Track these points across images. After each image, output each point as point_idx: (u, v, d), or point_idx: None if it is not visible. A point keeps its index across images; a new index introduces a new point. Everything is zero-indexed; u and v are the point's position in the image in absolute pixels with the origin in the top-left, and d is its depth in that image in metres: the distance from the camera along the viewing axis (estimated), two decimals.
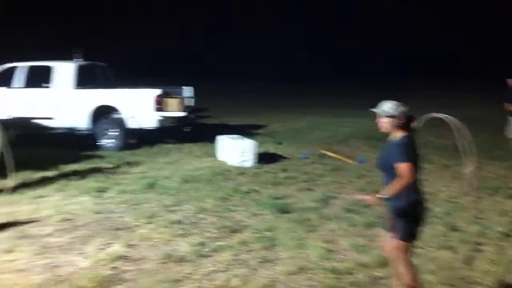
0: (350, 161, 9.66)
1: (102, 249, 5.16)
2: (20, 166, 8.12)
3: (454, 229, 5.87)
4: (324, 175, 8.70)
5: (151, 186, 7.73)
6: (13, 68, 11.82)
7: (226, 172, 8.76)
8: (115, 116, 11.31)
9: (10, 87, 11.69)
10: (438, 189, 7.63)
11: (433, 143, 11.39)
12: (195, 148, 11.14)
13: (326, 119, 17.29)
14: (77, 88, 11.52)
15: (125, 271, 4.67)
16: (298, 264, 4.86)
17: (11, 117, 11.11)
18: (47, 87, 11.56)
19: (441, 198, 7.17)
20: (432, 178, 8.30)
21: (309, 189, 7.78)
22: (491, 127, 13.09)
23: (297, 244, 5.37)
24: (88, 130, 11.42)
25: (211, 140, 10.59)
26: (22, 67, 11.81)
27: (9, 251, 5.11)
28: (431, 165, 9.22)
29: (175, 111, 11.37)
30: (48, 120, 11.48)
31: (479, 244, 5.45)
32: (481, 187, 7.62)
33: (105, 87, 12.13)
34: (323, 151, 10.41)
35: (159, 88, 11.37)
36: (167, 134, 11.76)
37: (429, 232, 5.54)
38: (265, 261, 4.96)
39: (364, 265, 4.84)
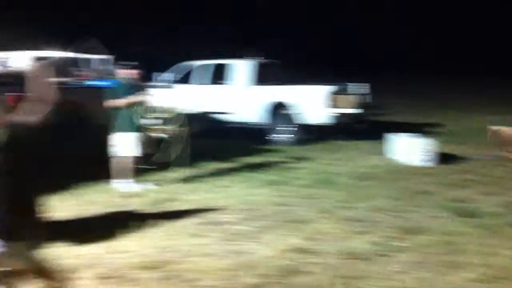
0: None
1: (282, 240, 5.37)
2: (205, 157, 8.82)
3: None
4: (505, 178, 8.11)
5: (324, 181, 7.86)
6: (195, 66, 12.76)
7: (400, 171, 8.59)
8: (290, 112, 11.67)
9: (191, 84, 12.65)
10: None
11: None
12: (368, 145, 11.06)
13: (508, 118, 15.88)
14: (255, 85, 12.10)
15: (304, 264, 4.80)
16: (486, 272, 4.59)
17: (195, 112, 12.04)
18: (227, 84, 12.32)
19: None
20: None
21: (490, 193, 7.30)
22: None
23: (482, 250, 5.07)
24: (264, 125, 11.93)
25: (384, 138, 10.44)
26: (203, 65, 12.70)
27: (198, 235, 5.54)
28: None
29: (348, 108, 11.41)
30: (227, 115, 12.24)
31: None
32: None
33: (281, 84, 12.58)
34: (508, 154, 9.68)
35: (333, 85, 11.48)
36: (341, 130, 11.83)
37: None
38: (446, 266, 4.75)
39: None
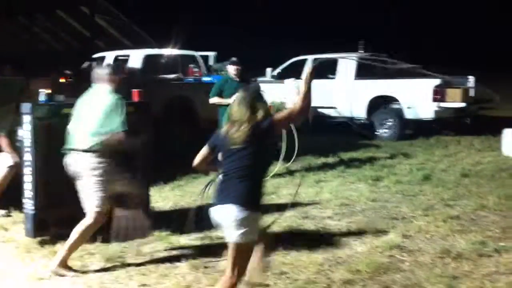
0: None
1: (379, 236, 5.26)
2: (304, 151, 8.83)
3: None
4: None
5: (427, 178, 7.60)
6: (303, 60, 12.76)
7: (511, 168, 8.08)
8: (393, 106, 11.38)
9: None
10: None
11: None
12: (476, 141, 10.53)
13: None
14: (357, 79, 11.92)
15: (401, 261, 4.68)
16: None
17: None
18: (332, 78, 12.24)
19: None
20: None
21: None
22: None
23: None
24: (367, 119, 11.73)
25: (495, 133, 9.87)
26: (315, 59, 12.65)
27: (293, 229, 5.57)
28: None
29: (454, 102, 10.91)
30: (332, 109, 12.16)
31: None
32: None
33: (384, 77, 12.27)
34: None
35: (438, 78, 11.02)
36: (446, 125, 11.34)
37: None
38: None
39: None
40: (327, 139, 10.95)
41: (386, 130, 11.30)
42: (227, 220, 3.36)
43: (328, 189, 7.11)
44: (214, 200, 3.49)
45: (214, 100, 7.62)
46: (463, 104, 11.06)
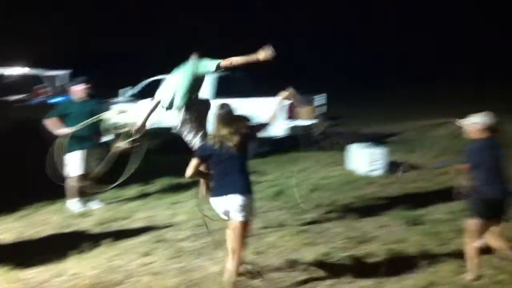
0: None
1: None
2: (159, 173, 8.75)
3: None
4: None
5: (279, 194, 7.88)
6: (158, 81, 12.66)
7: (355, 182, 8.65)
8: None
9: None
10: None
11: None
12: (325, 156, 11.12)
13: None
14: (215, 98, 12.03)
15: (252, 277, 4.82)
16: (428, 279, 4.68)
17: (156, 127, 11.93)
18: None
19: None
20: None
21: (442, 200, 7.41)
22: None
23: (427, 257, 5.17)
24: None
25: (342, 148, 10.52)
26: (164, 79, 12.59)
27: (146, 254, 5.49)
28: None
29: (305, 119, 11.46)
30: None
31: None
32: None
33: (240, 96, 12.57)
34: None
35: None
36: (298, 142, 11.86)
37: None
38: (392, 274, 4.83)
39: (499, 282, 4.54)
40: (185, 159, 10.88)
41: None
42: (233, 206, 4.50)
43: (183, 210, 7.09)
44: (215, 194, 4.62)
45: (50, 122, 7.22)
46: (314, 121, 11.65)
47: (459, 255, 5.18)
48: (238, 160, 4.66)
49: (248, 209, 4.54)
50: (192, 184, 8.51)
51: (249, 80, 13.36)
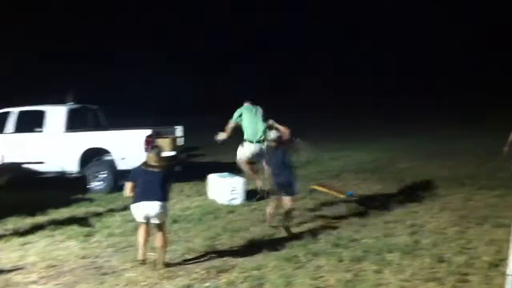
0: (341, 195, 9.62)
1: None
2: (10, 211, 8.14)
3: (441, 260, 5.85)
4: (315, 210, 8.68)
5: (136, 228, 7.67)
6: (6, 113, 11.88)
7: (216, 211, 8.73)
8: (106, 158, 11.33)
9: (5, 133, 11.73)
10: (426, 220, 7.63)
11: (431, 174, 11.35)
12: (186, 187, 11.12)
13: (326, 152, 16.44)
14: (67, 132, 11.56)
15: None
16: None
17: (3, 162, 11.14)
18: (39, 131, 11.61)
19: (428, 230, 7.17)
20: (420, 210, 8.31)
21: (298, 225, 7.73)
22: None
23: (285, 282, 5.34)
24: (78, 173, 11.41)
25: (202, 179, 10.59)
26: (19, 112, 11.86)
27: None
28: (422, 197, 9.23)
29: (165, 151, 11.38)
30: (39, 164, 11.49)
31: (466, 274, 5.43)
32: (469, 216, 7.64)
33: (96, 129, 12.20)
34: (314, 187, 10.38)
35: (149, 128, 11.43)
36: None
37: (416, 264, 5.55)
38: None
39: None
40: (36, 195, 10.29)
41: (99, 183, 11.13)
42: (154, 210, 5.87)
43: (34, 251, 6.65)
44: (138, 200, 5.91)
45: None
46: (173, 153, 11.63)
47: (314, 277, 5.46)
48: (160, 176, 6.03)
49: (165, 212, 6.03)
50: (44, 223, 8.07)
51: (102, 113, 13.06)
